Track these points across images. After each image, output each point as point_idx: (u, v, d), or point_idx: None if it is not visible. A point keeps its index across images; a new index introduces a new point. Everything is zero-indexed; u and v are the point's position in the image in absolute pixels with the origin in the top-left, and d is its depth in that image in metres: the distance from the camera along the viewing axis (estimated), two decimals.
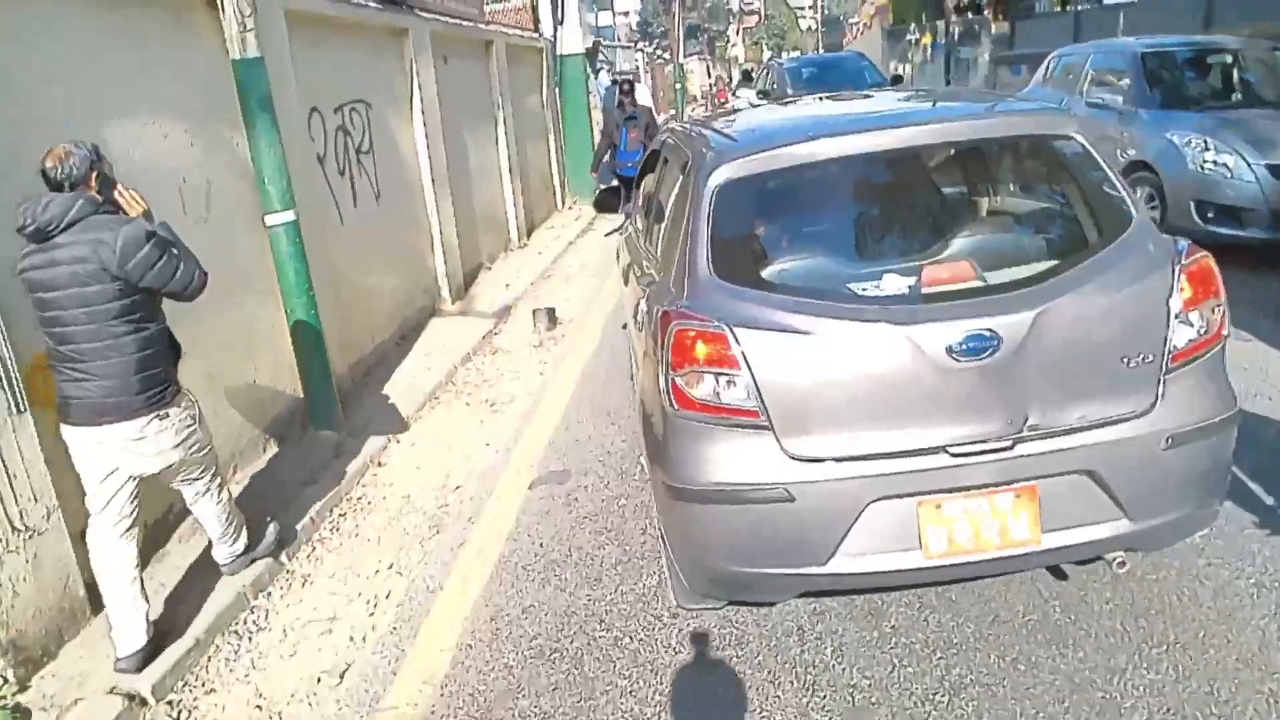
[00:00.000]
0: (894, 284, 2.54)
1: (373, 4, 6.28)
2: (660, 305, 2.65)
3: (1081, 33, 14.62)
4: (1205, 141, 6.14)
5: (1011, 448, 2.30)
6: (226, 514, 3.29)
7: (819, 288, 2.59)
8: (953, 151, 3.14)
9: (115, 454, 2.84)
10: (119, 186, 2.87)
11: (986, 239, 2.82)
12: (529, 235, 10.23)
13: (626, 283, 4.23)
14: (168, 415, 2.90)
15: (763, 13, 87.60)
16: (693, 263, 2.61)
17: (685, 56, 34.87)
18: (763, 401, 2.35)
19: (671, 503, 2.54)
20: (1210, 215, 6.08)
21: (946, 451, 2.30)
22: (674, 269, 2.77)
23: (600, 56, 30.22)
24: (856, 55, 14.15)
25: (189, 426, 3.00)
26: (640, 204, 4.45)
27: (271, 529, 3.61)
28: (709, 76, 42.74)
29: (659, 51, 41.77)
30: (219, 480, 3.24)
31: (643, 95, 23.02)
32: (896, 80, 13.19)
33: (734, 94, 17.76)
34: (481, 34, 8.91)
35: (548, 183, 11.70)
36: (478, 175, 8.65)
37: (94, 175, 2.78)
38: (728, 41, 61.42)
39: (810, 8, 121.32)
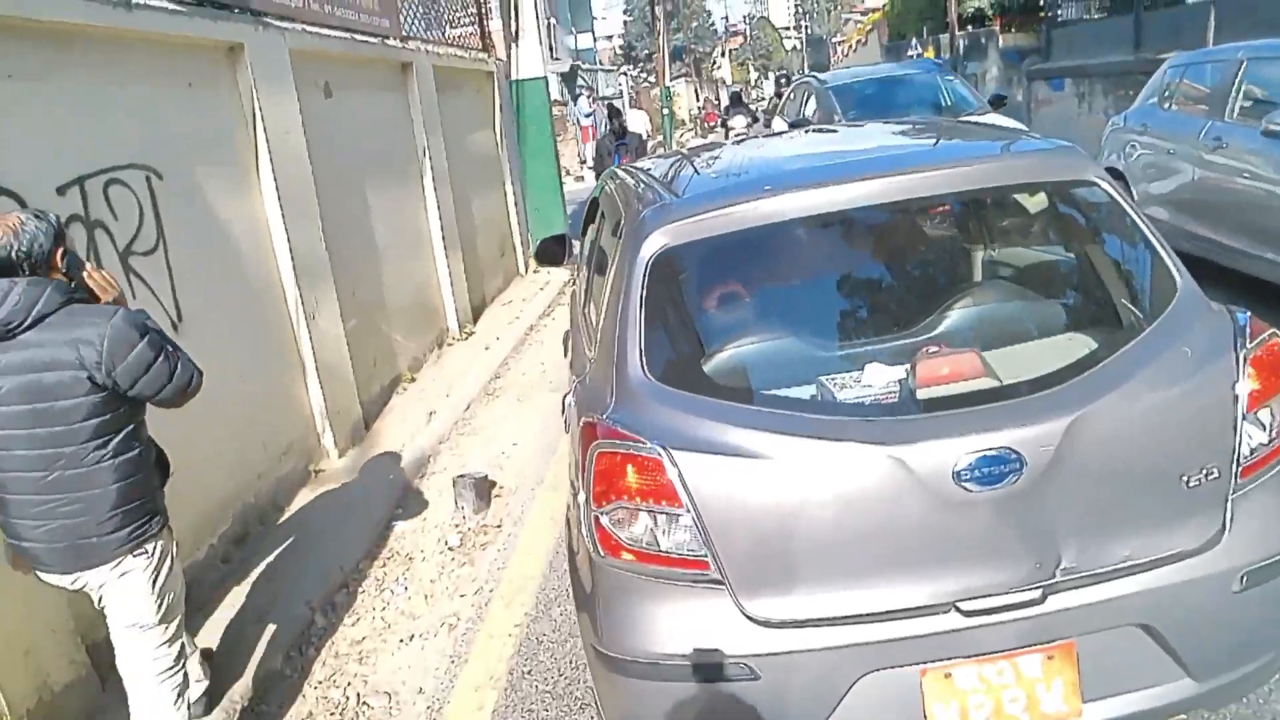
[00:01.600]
0: (879, 376, 2.07)
1: (161, 1, 3.78)
2: (583, 412, 2.17)
3: (1144, 39, 12.29)
4: None
5: (1041, 599, 1.83)
6: (164, 671, 2.47)
7: (783, 388, 2.15)
8: (949, 205, 2.60)
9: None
10: (88, 267, 2.31)
11: (991, 315, 2.34)
12: (475, 320, 7.70)
13: (566, 354, 3.71)
14: (143, 555, 2.34)
15: (748, 34, 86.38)
16: (622, 358, 2.10)
17: (672, 79, 33.00)
18: (713, 548, 1.87)
19: (605, 674, 2.03)
20: None
21: (957, 609, 1.83)
22: (602, 363, 2.25)
23: (580, 80, 28.42)
24: (931, 66, 9.57)
25: (167, 576, 2.41)
26: (584, 255, 3.78)
27: None
28: (697, 99, 40.73)
29: (644, 75, 39.91)
30: (173, 643, 2.48)
31: (635, 122, 20.63)
32: (999, 101, 8.67)
33: (723, 123, 14.19)
34: (393, 53, 6.40)
35: (504, 242, 9.15)
36: (390, 251, 6.13)
37: (59, 253, 2.21)
38: (714, 63, 59.60)
39: (794, 28, 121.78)
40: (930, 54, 26.45)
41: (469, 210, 7.73)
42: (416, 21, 7.28)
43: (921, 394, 2.00)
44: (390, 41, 6.33)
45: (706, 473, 1.88)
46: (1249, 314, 2.08)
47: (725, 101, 17.10)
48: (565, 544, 2.58)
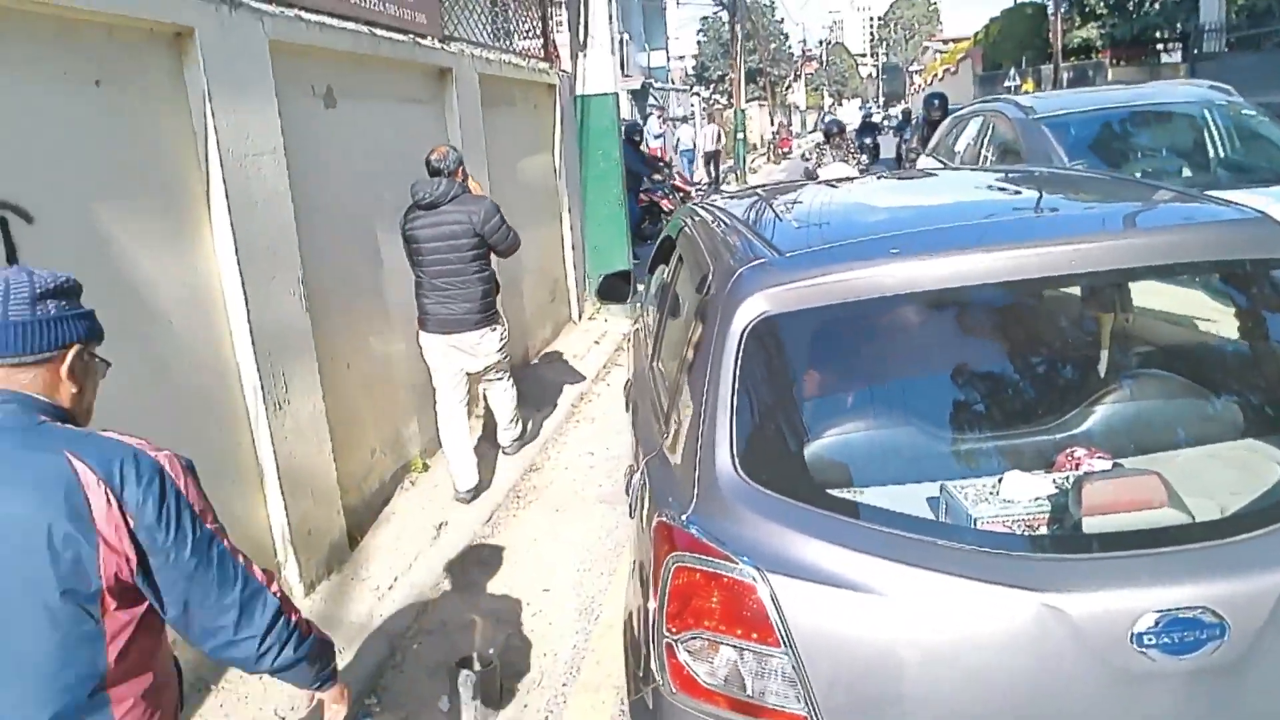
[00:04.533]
0: (1022, 488, 1.74)
1: None
2: (656, 507, 1.86)
3: None
4: None
5: None
6: (514, 407, 4.84)
7: (901, 487, 1.85)
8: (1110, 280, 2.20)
9: (457, 354, 4.37)
10: (470, 179, 4.44)
11: (1150, 412, 2.02)
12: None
13: (628, 409, 3.31)
14: (495, 329, 4.42)
15: (823, 58, 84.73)
16: (708, 449, 1.76)
17: (746, 101, 31.64)
18: (813, 699, 1.55)
19: None
20: None
21: None
22: (681, 447, 1.90)
23: (651, 99, 27.33)
24: (1210, 95, 5.37)
25: (504, 340, 4.50)
26: (652, 296, 3.42)
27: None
28: (771, 123, 39.31)
29: (716, 95, 38.73)
30: (512, 380, 4.77)
31: (707, 138, 20.49)
32: None
33: (813, 162, 10.19)
34: (426, 55, 5.09)
35: (556, 286, 7.75)
36: (409, 309, 4.80)
37: (460, 169, 4.30)
38: (788, 87, 58.14)
39: (869, 55, 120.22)
40: (1030, 86, 24.71)
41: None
42: (474, 22, 5.99)
43: (1089, 525, 1.60)
44: (425, 41, 5.03)
45: (809, 604, 1.56)
46: None
47: (813, 135, 12.07)
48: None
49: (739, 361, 1.83)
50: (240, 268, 3.24)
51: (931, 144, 7.52)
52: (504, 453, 4.96)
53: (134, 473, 1.32)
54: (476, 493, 4.49)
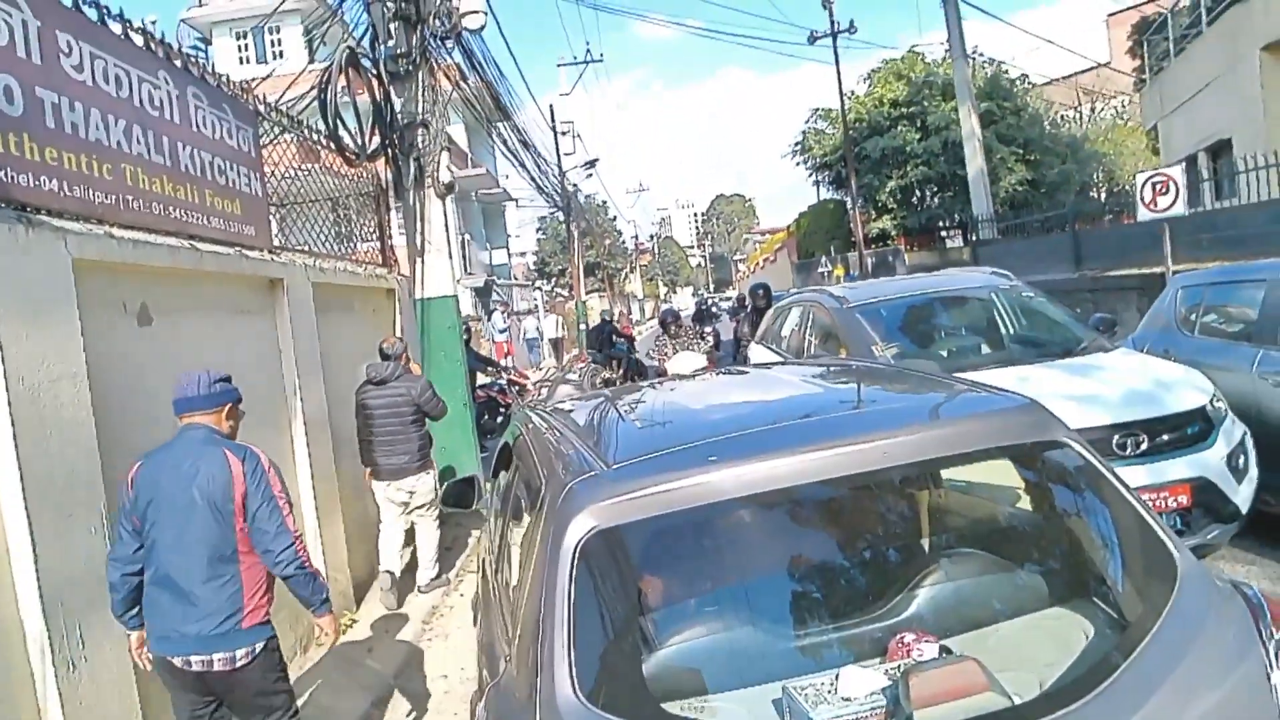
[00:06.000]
0: (858, 684, 1.76)
1: None
2: None
3: (1084, 256, 12.02)
4: None
5: None
6: (436, 545, 6.03)
7: (753, 703, 1.83)
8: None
9: (399, 494, 5.77)
10: (411, 361, 6.29)
11: (965, 592, 2.08)
12: (358, 602, 5.83)
13: (475, 623, 3.31)
14: (429, 472, 5.90)
15: (655, 251, 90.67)
16: (547, 675, 1.71)
17: (586, 293, 33.03)
18: None
19: None
20: None
21: None
22: (521, 674, 1.85)
23: (495, 295, 28.08)
24: (995, 281, 6.03)
25: (435, 481, 5.96)
26: (497, 502, 3.31)
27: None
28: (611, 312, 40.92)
29: (557, 288, 40.18)
30: (439, 523, 6.08)
31: (549, 326, 21.74)
32: (1109, 326, 5.67)
33: (666, 349, 9.21)
34: (254, 266, 4.97)
35: None
36: None
37: (404, 355, 6.05)
38: (625, 278, 61.41)
39: (696, 246, 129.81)
40: (841, 271, 27.11)
41: (355, 460, 6.06)
42: (309, 231, 5.98)
43: (920, 718, 1.63)
44: (253, 253, 4.92)
45: None
46: (1259, 590, 1.89)
47: (683, 316, 11.64)
48: None
49: (573, 579, 1.80)
50: (27, 506, 2.86)
51: (760, 331, 7.97)
52: (419, 590, 5.94)
53: (250, 461, 2.95)
54: (394, 583, 5.82)
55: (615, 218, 63.48)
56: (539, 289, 34.08)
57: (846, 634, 2.06)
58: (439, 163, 7.69)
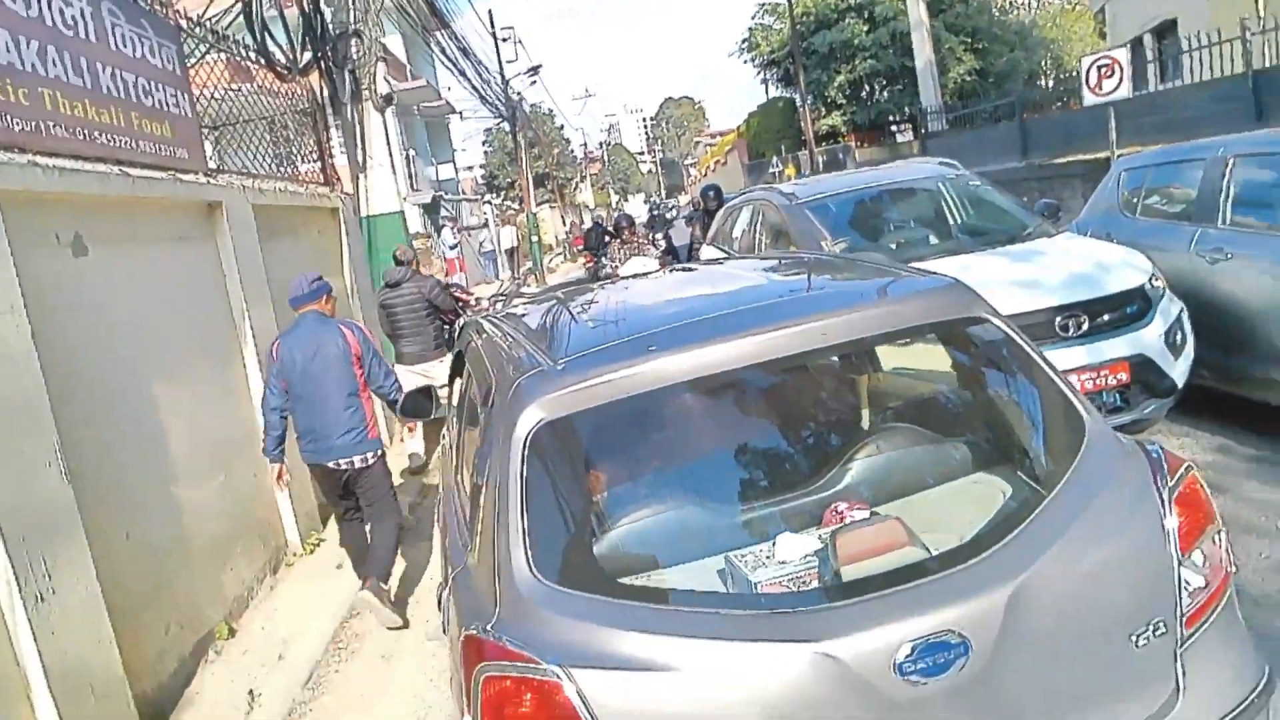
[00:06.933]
0: (793, 548, 1.95)
1: None
2: (463, 621, 1.90)
3: (1031, 146, 12.12)
4: None
5: None
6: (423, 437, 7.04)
7: (688, 564, 2.01)
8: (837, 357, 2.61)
9: (418, 377, 6.27)
10: (417, 263, 6.99)
11: (895, 462, 2.27)
12: (325, 521, 5.92)
13: (437, 523, 3.36)
14: (442, 360, 6.47)
15: (605, 159, 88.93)
16: (504, 557, 1.82)
17: (536, 205, 32.44)
18: None
19: None
20: None
21: None
22: (481, 558, 1.98)
23: (443, 211, 27.44)
24: (942, 171, 6.11)
25: (448, 367, 5.02)
26: (453, 408, 3.49)
27: None
28: (563, 223, 40.43)
29: (507, 202, 39.39)
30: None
31: (505, 237, 22.22)
32: (1053, 212, 5.81)
33: (618, 255, 10.08)
34: (190, 191, 4.81)
35: None
36: (196, 458, 4.39)
37: (414, 259, 6.84)
38: (575, 188, 60.36)
39: (647, 152, 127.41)
40: (792, 170, 26.95)
41: None
42: (246, 152, 5.77)
43: (847, 573, 1.80)
44: (187, 177, 4.76)
45: (613, 692, 1.64)
46: (1161, 446, 2.02)
47: (638, 225, 14.03)
48: None
49: (525, 468, 1.91)
50: None
51: (711, 233, 7.94)
52: (409, 469, 6.89)
53: (357, 331, 4.39)
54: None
55: (563, 126, 62.08)
56: (489, 203, 33.44)
57: (785, 507, 2.19)
58: (375, 75, 7.41)
